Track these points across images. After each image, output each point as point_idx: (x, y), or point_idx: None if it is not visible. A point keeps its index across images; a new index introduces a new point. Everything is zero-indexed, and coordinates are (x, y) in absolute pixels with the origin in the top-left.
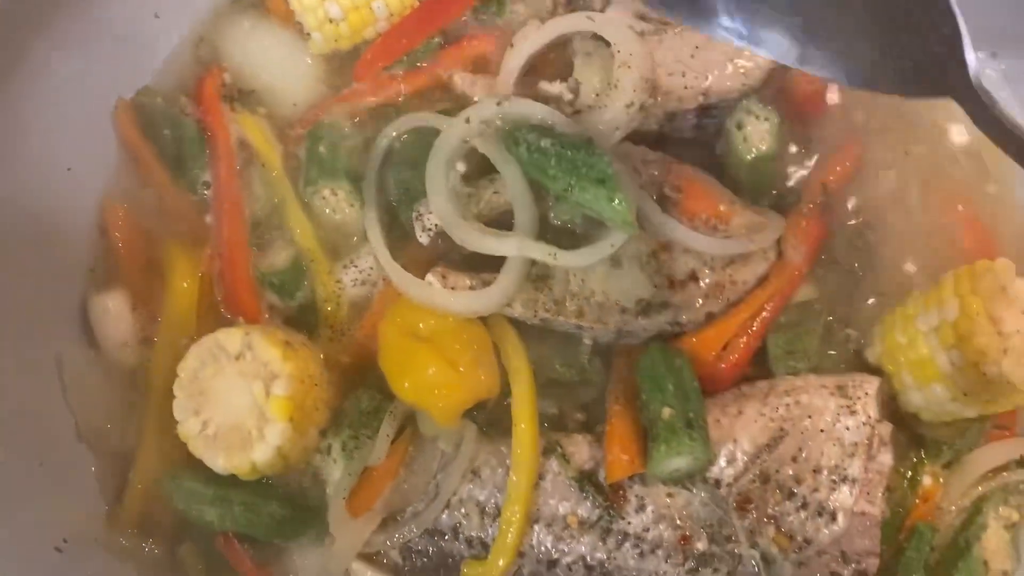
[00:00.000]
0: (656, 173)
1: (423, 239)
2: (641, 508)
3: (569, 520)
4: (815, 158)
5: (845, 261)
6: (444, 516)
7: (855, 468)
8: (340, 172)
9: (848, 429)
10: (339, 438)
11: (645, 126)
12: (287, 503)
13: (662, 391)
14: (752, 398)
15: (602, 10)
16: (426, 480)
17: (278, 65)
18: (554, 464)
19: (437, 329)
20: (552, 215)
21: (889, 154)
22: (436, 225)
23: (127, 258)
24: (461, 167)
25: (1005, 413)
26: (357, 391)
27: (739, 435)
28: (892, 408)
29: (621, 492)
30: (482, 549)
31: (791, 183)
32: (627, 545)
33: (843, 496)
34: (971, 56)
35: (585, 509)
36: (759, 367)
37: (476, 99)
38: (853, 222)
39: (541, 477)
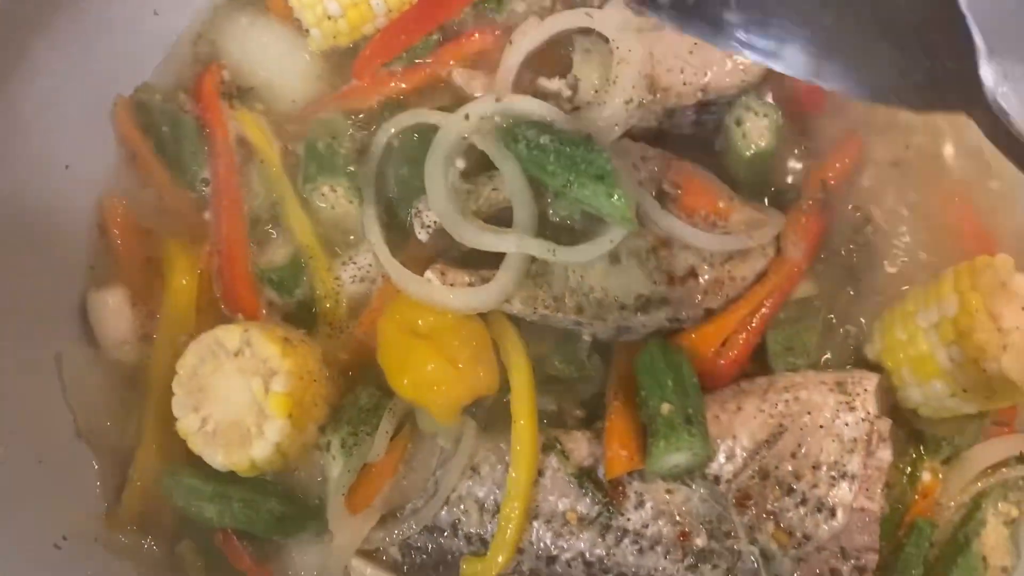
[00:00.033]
0: (655, 169)
1: (422, 236)
2: (640, 504)
3: (568, 516)
4: (815, 154)
5: (844, 257)
6: (443, 513)
7: (854, 464)
8: (339, 169)
9: (847, 425)
10: (338, 435)
11: (644, 122)
12: (286, 500)
13: (661, 387)
14: (751, 394)
15: (601, 6)
16: (425, 477)
17: (277, 62)
18: (553, 460)
19: (436, 326)
20: (551, 211)
21: (889, 150)
22: (435, 222)
23: (126, 255)
24: (460, 164)
25: (1004, 409)
26: (356, 388)
27: (738, 431)
28: (891, 404)
29: (620, 488)
30: (481, 546)
31: (790, 179)
32: (626, 541)
33: (842, 492)
34: (987, 73)
35: (584, 505)
36: (758, 363)
37: (475, 96)
38: (852, 218)
39: (540, 473)
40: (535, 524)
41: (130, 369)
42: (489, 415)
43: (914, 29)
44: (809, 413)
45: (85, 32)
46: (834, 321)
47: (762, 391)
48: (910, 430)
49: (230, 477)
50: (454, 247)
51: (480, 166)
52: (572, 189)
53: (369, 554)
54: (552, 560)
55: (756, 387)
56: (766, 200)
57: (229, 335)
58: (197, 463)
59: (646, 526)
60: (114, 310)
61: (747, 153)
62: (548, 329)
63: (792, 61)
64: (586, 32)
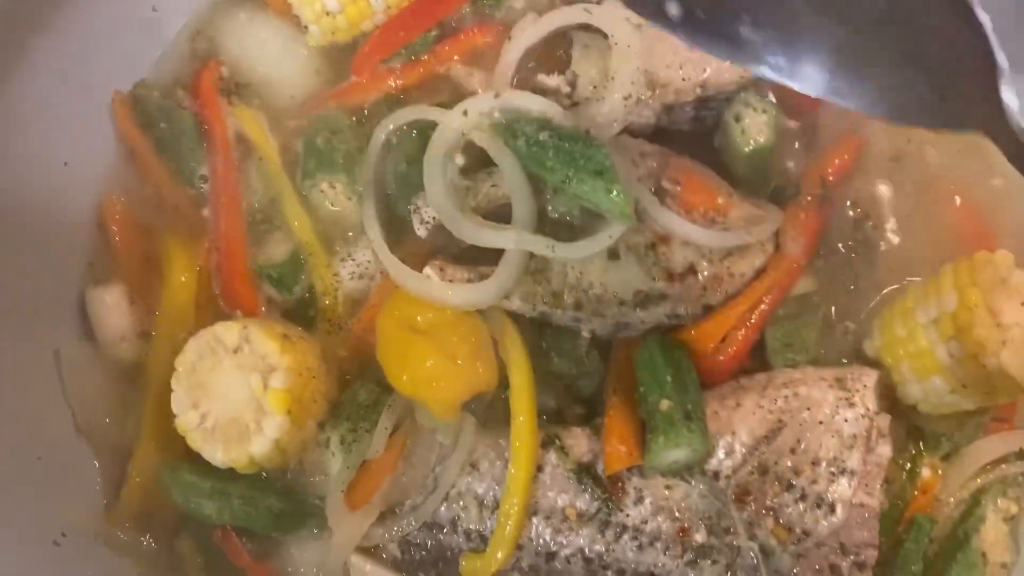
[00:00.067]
0: (654, 165)
1: (421, 232)
2: (639, 500)
3: (568, 512)
4: (814, 150)
5: (844, 253)
6: (442, 509)
7: (854, 460)
8: (338, 165)
9: (847, 421)
10: (337, 431)
11: (643, 118)
12: (285, 496)
13: (660, 383)
14: (750, 390)
15: (599, 2)
16: (424, 473)
17: (275, 58)
18: (552, 456)
19: (435, 322)
20: (550, 208)
21: (889, 145)
22: (434, 218)
23: (125, 252)
24: (459, 160)
25: (1004, 405)
26: (355, 384)
27: (737, 427)
28: (891, 400)
29: (620, 484)
30: (480, 542)
31: (789, 175)
32: (625, 537)
33: (842, 488)
34: (1009, 94)
35: (584, 501)
36: (757, 360)
37: (474, 92)
38: (852, 214)
39: (540, 470)
40: (534, 520)
41: (129, 366)
42: (488, 411)
43: (937, 51)
44: (808, 409)
45: (84, 29)
46: (833, 317)
47: (761, 387)
48: (910, 426)
49: (229, 474)
50: (453, 243)
51: (479, 162)
52: (571, 185)
53: (368, 551)
54: (551, 556)
55: (755, 383)
56: (765, 196)
57: (228, 332)
58: (196, 460)
59: (645, 522)
60: (113, 307)
61: (746, 149)
62: (547, 325)
63: (809, 81)
64: (585, 28)
